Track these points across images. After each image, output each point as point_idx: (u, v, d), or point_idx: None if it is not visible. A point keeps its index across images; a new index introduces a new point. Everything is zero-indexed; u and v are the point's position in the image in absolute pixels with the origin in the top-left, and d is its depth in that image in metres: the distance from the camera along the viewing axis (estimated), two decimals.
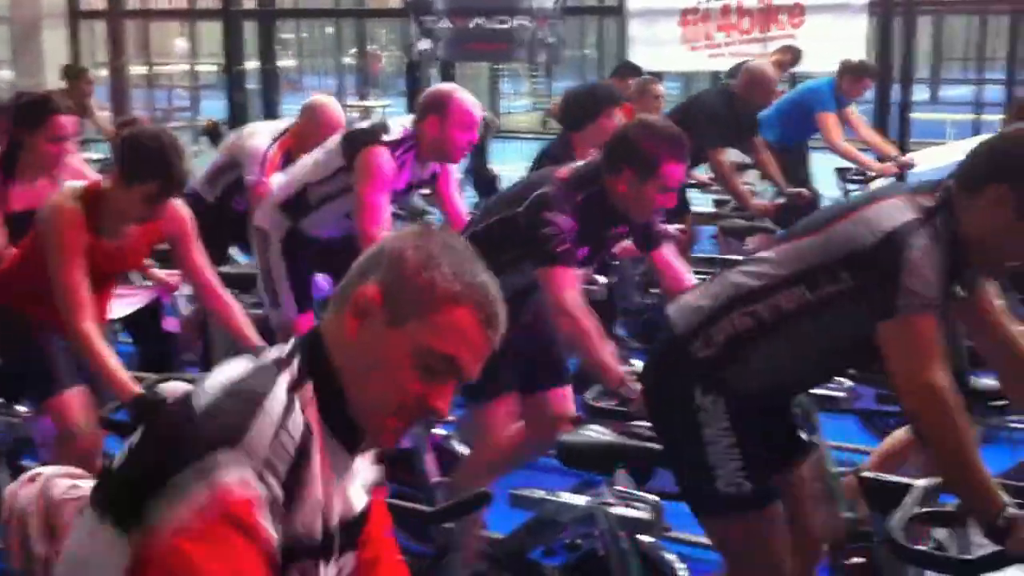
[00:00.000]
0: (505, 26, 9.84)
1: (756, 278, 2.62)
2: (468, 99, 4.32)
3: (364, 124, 4.71)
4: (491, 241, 3.54)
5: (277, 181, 4.90)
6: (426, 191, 4.99)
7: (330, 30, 19.10)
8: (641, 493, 3.11)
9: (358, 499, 1.67)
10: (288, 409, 1.50)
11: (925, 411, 2.33)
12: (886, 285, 2.36)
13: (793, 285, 2.54)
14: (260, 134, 5.59)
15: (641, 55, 9.30)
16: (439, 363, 1.52)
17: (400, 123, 4.44)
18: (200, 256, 3.76)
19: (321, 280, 4.91)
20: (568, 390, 3.85)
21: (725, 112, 6.40)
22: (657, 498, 3.06)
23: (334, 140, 4.54)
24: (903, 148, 8.45)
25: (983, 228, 2.40)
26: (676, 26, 9.18)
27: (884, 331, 2.38)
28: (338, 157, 4.43)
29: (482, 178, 8.79)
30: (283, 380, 1.52)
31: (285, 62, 18.91)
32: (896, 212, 2.43)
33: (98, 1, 12.85)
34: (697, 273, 5.90)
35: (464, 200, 8.36)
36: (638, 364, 3.82)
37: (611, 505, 3.06)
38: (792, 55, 8.12)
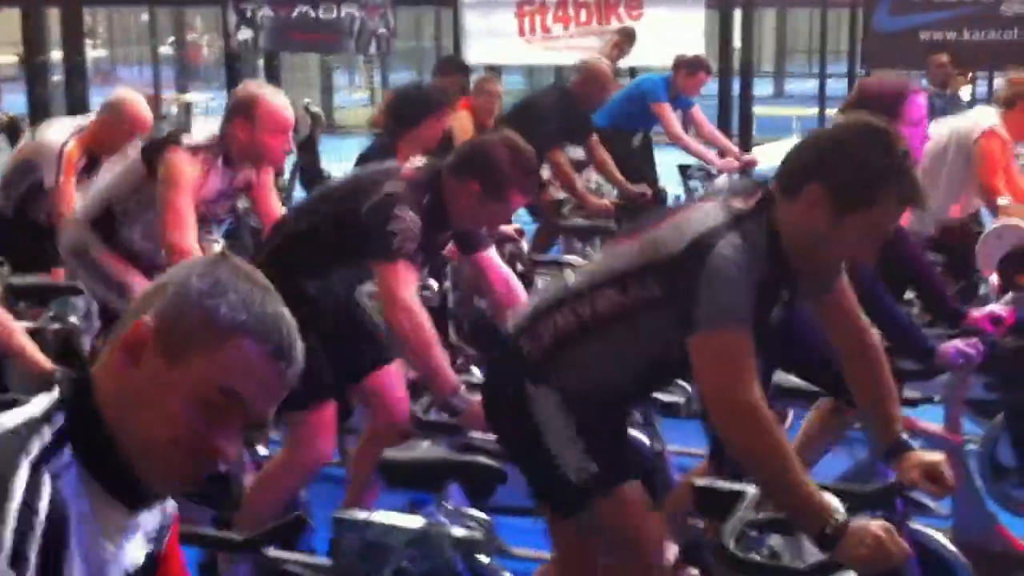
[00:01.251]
0: (332, 15, 9.76)
1: (582, 278, 2.69)
2: (278, 100, 4.19)
3: (165, 130, 4.56)
4: (318, 239, 3.54)
5: (81, 200, 4.71)
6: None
7: (145, 17, 18.61)
8: (473, 511, 3.11)
9: (134, 557, 1.57)
10: (31, 489, 1.38)
11: (735, 430, 2.36)
12: (688, 295, 2.40)
13: (608, 288, 2.60)
14: (56, 130, 5.34)
15: (476, 47, 9.37)
16: (222, 400, 1.44)
17: (207, 129, 4.31)
18: None
19: None
20: (395, 368, 3.83)
21: (562, 111, 6.46)
22: (487, 516, 3.06)
23: (135, 148, 4.41)
24: (747, 144, 8.71)
25: (801, 231, 2.43)
26: (512, 18, 9.25)
27: (691, 345, 2.41)
28: (139, 166, 4.31)
29: (313, 177, 8.69)
30: (27, 455, 1.41)
31: (95, 52, 18.36)
32: (706, 217, 2.47)
33: None
34: (540, 275, 6.06)
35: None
36: (477, 374, 3.84)
37: (442, 525, 3.06)
38: (628, 37, 8.26)
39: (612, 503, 2.68)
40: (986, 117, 5.18)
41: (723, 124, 8.86)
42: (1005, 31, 8.84)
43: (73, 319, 4.71)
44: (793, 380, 3.82)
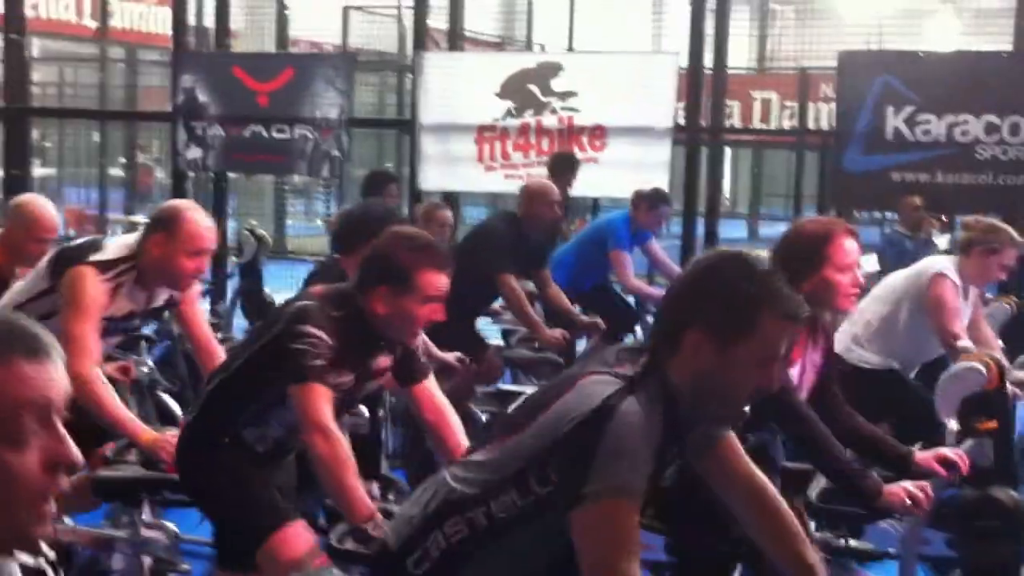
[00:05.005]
0: (284, 136, 9.87)
1: (469, 485, 2.55)
2: (201, 220, 4.18)
3: (76, 242, 4.55)
4: (253, 375, 3.52)
5: None
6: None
7: (96, 136, 18.75)
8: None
9: None
10: None
11: None
12: (579, 466, 2.33)
13: (505, 487, 2.48)
14: None
15: (433, 173, 9.46)
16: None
17: (122, 242, 4.31)
18: None
19: None
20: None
21: (512, 237, 6.46)
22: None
23: (44, 258, 4.40)
24: None
25: (697, 379, 2.43)
26: (471, 143, 9.36)
27: (574, 521, 2.34)
28: (45, 278, 4.29)
29: (255, 303, 8.64)
30: None
31: (42, 170, 18.42)
32: (597, 388, 2.42)
33: None
34: (483, 410, 6.00)
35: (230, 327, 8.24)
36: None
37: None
38: (566, 163, 8.34)
39: None
40: (935, 262, 5.36)
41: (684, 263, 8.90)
42: (980, 175, 9.01)
43: None
44: None
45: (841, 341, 4.99)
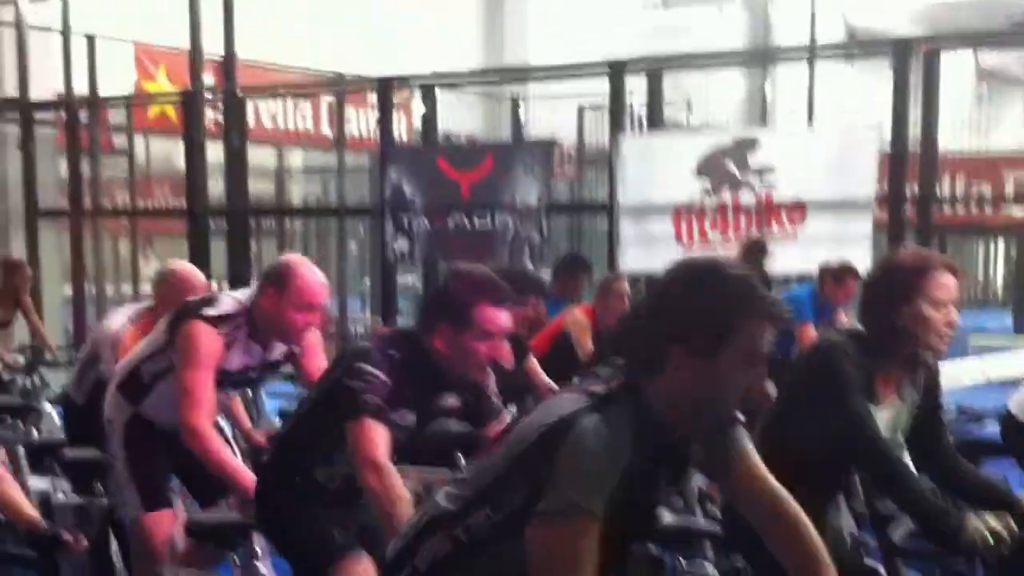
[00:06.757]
0: (486, 223, 10.21)
1: (452, 501, 2.63)
2: (314, 276, 4.28)
3: (191, 298, 4.66)
4: (319, 415, 3.61)
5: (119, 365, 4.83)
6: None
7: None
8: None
9: None
10: None
11: None
12: (536, 482, 2.38)
13: (479, 505, 2.55)
14: (116, 317, 5.50)
15: (632, 253, 9.60)
16: None
17: (234, 297, 4.45)
18: None
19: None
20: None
21: None
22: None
23: (165, 316, 4.56)
24: None
25: (686, 394, 2.46)
26: (669, 223, 9.50)
27: (528, 537, 2.39)
28: (164, 333, 4.45)
29: None
30: None
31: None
32: (563, 404, 2.47)
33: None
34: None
35: None
36: None
37: None
38: (757, 249, 8.33)
39: None
40: None
41: None
42: None
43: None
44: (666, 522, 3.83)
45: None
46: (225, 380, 4.40)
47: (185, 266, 5.46)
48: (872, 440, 3.48)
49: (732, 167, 9.40)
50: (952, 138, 14.00)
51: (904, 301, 3.50)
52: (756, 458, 2.72)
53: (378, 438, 3.41)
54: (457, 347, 3.46)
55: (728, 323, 2.42)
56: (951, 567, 3.86)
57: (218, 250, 12.46)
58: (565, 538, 2.35)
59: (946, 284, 3.53)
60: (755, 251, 8.33)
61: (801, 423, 3.58)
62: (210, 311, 4.31)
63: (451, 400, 3.74)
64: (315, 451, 3.68)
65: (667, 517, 4.07)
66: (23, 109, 13.09)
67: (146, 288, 5.79)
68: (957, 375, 7.60)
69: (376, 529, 3.54)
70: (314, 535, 3.69)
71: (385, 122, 11.49)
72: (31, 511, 3.36)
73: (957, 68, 15.31)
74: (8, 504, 3.39)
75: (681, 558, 4.52)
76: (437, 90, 11.45)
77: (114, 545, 4.97)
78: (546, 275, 9.55)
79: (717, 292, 2.45)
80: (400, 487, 3.39)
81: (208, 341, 4.24)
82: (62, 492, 5.28)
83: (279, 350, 4.49)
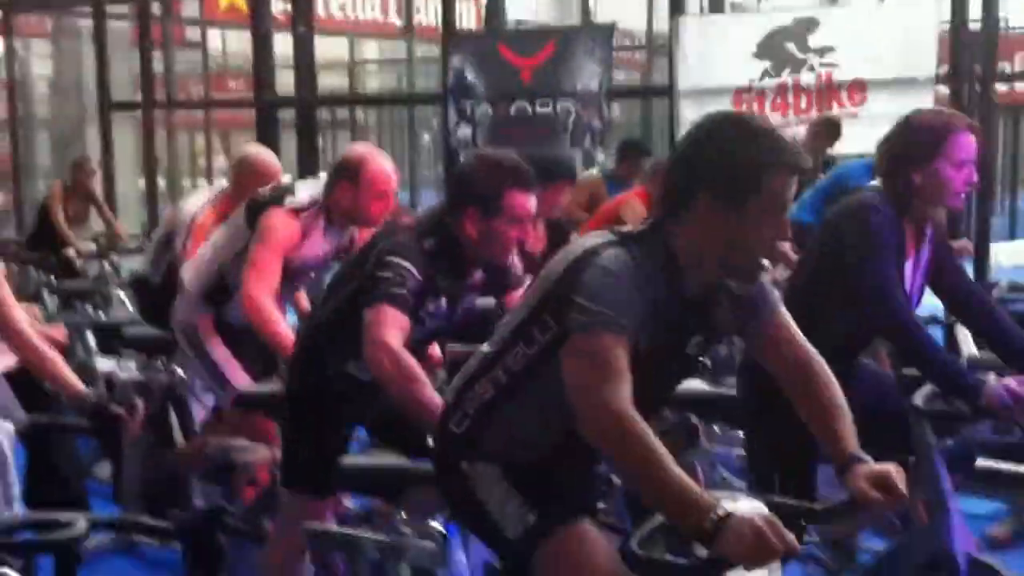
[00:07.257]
0: (547, 110, 10.25)
1: (492, 345, 2.83)
2: (384, 164, 4.37)
3: (266, 190, 4.72)
4: (353, 305, 3.61)
5: (189, 271, 4.88)
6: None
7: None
8: (430, 523, 3.29)
9: None
10: None
11: (602, 435, 2.45)
12: (565, 303, 2.53)
13: (514, 344, 2.73)
14: (192, 199, 5.60)
15: None
16: None
17: (307, 190, 4.55)
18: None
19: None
20: None
21: None
22: (441, 528, 3.27)
23: (239, 211, 4.67)
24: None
25: (709, 242, 2.58)
26: (728, 106, 9.47)
27: (563, 358, 2.52)
28: (242, 227, 4.57)
29: None
30: None
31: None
32: (589, 240, 2.65)
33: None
34: None
35: None
36: None
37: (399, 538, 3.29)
38: (832, 127, 8.40)
39: (555, 546, 2.73)
40: None
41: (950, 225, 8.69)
42: None
43: (181, 373, 5.06)
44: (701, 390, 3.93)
45: None
46: (301, 269, 4.53)
47: (262, 151, 5.52)
48: (895, 312, 3.58)
49: (792, 48, 9.32)
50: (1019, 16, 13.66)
51: (925, 160, 3.59)
52: (788, 317, 2.82)
53: (392, 322, 3.41)
54: (486, 232, 3.51)
55: (757, 175, 2.53)
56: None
57: (289, 143, 12.63)
58: (596, 346, 2.47)
59: (968, 145, 3.62)
60: (828, 130, 8.34)
61: (828, 284, 3.68)
62: (290, 200, 4.44)
63: (476, 276, 3.78)
64: (348, 343, 3.63)
65: (699, 384, 4.20)
66: (96, 3, 13.27)
67: (219, 182, 5.95)
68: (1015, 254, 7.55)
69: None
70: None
71: (448, 9, 11.50)
72: (78, 385, 3.56)
73: None
74: (56, 379, 3.60)
75: (715, 426, 4.67)
76: None
77: (173, 419, 5.22)
78: (610, 161, 9.67)
79: (746, 142, 2.56)
80: (415, 368, 3.38)
81: (284, 226, 4.37)
82: (126, 370, 5.53)
83: (347, 237, 4.60)
